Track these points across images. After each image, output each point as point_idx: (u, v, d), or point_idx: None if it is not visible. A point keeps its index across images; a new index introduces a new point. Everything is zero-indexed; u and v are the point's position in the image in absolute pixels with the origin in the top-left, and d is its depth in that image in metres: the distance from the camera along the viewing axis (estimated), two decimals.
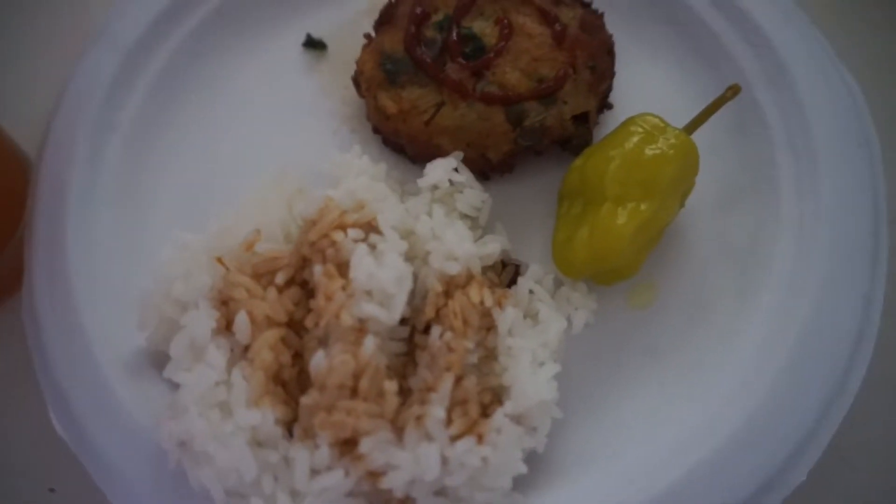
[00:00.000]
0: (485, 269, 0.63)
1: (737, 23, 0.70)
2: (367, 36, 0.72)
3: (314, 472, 0.52)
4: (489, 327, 0.59)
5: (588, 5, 0.73)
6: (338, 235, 0.56)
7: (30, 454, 0.64)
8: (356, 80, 0.71)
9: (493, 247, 0.63)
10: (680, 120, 0.64)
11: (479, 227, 0.66)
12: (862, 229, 0.62)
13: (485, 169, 0.70)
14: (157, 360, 0.60)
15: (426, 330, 0.58)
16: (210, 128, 0.72)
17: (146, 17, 0.71)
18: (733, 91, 0.61)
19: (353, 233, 0.57)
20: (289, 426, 0.55)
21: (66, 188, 0.65)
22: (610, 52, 0.71)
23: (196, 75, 0.73)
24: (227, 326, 0.56)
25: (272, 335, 0.54)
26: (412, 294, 0.58)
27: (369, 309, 0.53)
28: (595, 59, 0.68)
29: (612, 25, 0.72)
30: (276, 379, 0.55)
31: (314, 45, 0.77)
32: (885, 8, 0.76)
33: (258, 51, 0.76)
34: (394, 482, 0.51)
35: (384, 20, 0.71)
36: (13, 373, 0.66)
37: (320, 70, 0.77)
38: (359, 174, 0.62)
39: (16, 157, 0.69)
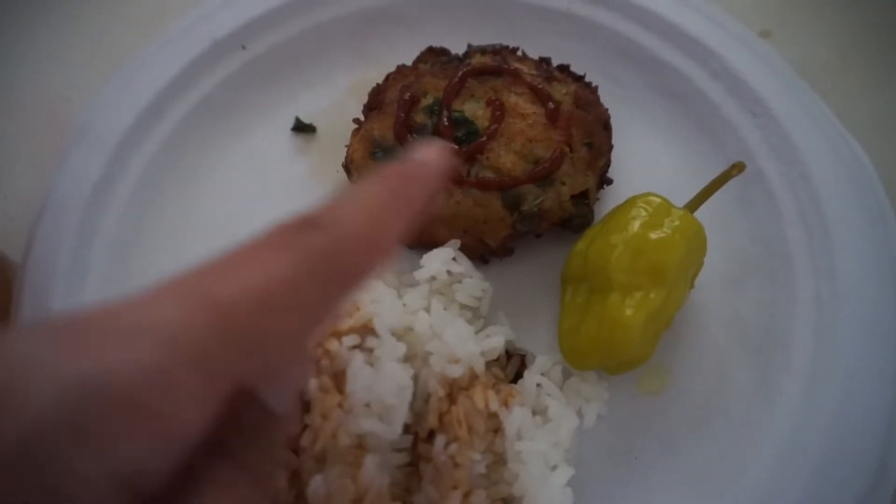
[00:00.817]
0: (489, 364, 0.60)
1: (736, 92, 0.68)
2: (357, 121, 0.70)
3: None
4: (496, 429, 0.56)
5: (581, 79, 0.71)
6: (332, 345, 0.53)
7: None
8: (347, 167, 0.69)
9: (496, 340, 0.59)
10: (682, 192, 0.61)
11: (481, 316, 0.64)
12: (884, 305, 0.59)
13: (483, 253, 0.67)
14: None
15: (429, 437, 0.55)
16: (199, 223, 0.70)
17: (129, 112, 0.68)
18: (738, 169, 0.58)
19: (349, 339, 0.54)
20: None
21: (50, 296, 0.62)
22: (606, 127, 0.69)
23: (183, 168, 0.71)
24: None
25: None
26: (413, 397, 0.55)
27: (368, 425, 0.50)
28: (591, 136, 0.66)
29: (607, 97, 0.70)
30: None
31: (303, 128, 0.76)
32: (883, 69, 0.74)
33: (247, 139, 0.74)
34: None
35: (372, 105, 0.69)
36: None
37: (311, 153, 0.75)
38: None
39: None
